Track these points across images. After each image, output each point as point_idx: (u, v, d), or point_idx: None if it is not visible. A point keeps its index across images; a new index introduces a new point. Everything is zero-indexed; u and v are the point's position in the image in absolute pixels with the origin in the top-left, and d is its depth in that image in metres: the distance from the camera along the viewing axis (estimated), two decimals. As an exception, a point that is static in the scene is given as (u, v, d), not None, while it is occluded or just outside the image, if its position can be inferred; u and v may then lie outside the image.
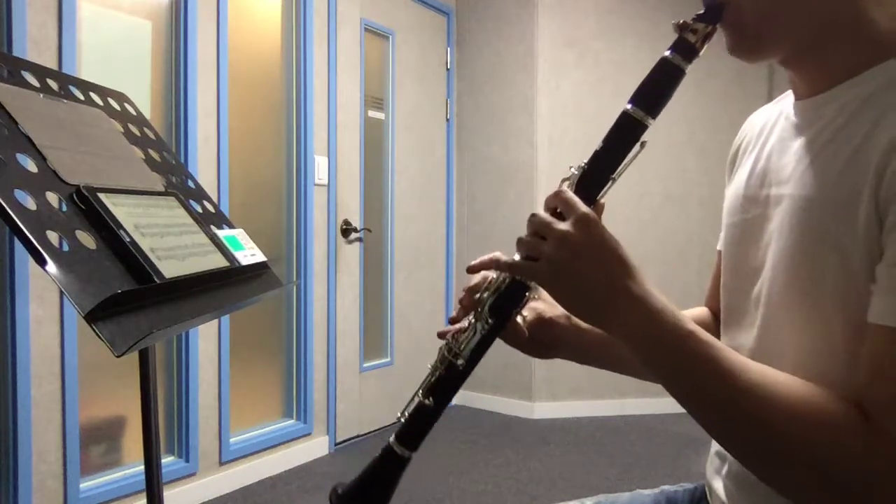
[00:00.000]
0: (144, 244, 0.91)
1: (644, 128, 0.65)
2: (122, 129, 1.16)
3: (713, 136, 3.65)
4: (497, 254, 0.72)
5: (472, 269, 0.76)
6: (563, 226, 0.62)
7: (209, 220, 1.18)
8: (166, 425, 2.44)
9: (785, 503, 0.62)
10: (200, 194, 1.25)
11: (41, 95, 1.00)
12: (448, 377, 0.71)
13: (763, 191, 0.70)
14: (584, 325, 0.82)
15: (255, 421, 2.81)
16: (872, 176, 0.55)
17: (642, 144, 0.66)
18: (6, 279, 1.93)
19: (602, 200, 0.67)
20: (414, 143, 3.62)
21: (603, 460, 2.96)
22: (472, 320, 0.71)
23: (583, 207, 0.62)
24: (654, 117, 0.65)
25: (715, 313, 0.87)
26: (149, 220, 0.98)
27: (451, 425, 3.47)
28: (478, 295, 0.72)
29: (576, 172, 0.68)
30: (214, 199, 2.50)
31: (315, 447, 2.99)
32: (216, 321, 2.54)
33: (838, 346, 0.59)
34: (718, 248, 0.83)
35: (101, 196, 0.91)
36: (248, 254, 1.19)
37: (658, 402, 3.55)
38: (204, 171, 2.47)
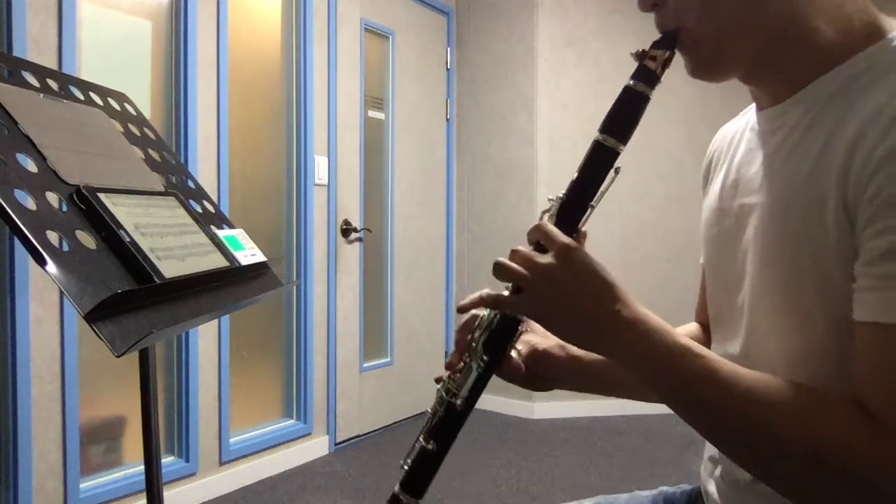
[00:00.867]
0: (144, 244, 0.91)
1: (616, 155, 0.67)
2: (122, 129, 1.16)
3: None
4: (485, 291, 0.71)
5: (463, 309, 0.75)
6: (546, 258, 0.63)
7: (209, 220, 1.18)
8: (166, 425, 2.45)
9: (780, 502, 0.63)
10: (200, 194, 1.25)
11: (41, 95, 1.00)
12: (448, 419, 0.72)
13: (735, 202, 0.72)
14: (577, 351, 0.83)
15: (255, 421, 2.81)
16: (837, 177, 0.57)
17: (616, 171, 0.68)
18: (6, 279, 1.93)
19: (584, 228, 0.69)
20: (414, 143, 3.62)
21: (603, 460, 2.96)
22: (468, 360, 0.72)
23: (563, 238, 0.63)
24: (624, 144, 0.67)
25: (705, 326, 0.89)
26: (149, 220, 0.98)
27: (451, 425, 3.47)
28: (471, 335, 0.73)
29: (555, 203, 0.69)
30: (214, 199, 2.50)
31: (315, 447, 2.99)
32: (216, 321, 2.54)
33: (824, 346, 0.60)
34: (701, 261, 0.84)
35: (101, 196, 0.91)
36: (248, 254, 1.19)
37: (658, 403, 3.55)
38: (204, 171, 2.47)
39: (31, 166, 0.86)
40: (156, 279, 0.88)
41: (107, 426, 2.26)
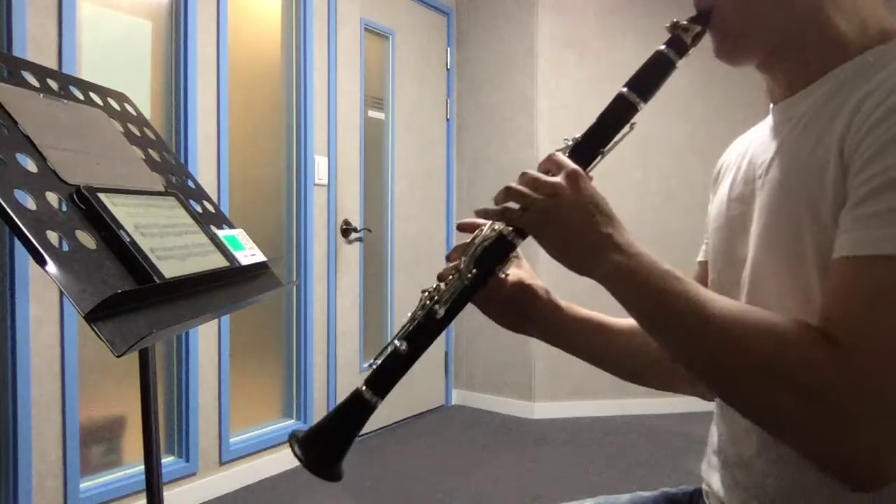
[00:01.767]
0: (144, 244, 0.91)
1: (636, 110, 0.72)
2: (122, 129, 1.16)
3: (714, 135, 3.65)
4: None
5: (464, 227, 0.77)
6: (555, 178, 0.67)
7: (209, 220, 1.18)
8: (166, 425, 2.45)
9: (787, 488, 0.64)
10: (200, 194, 1.25)
11: (41, 95, 1.00)
12: (426, 325, 0.72)
13: (747, 188, 0.75)
14: (560, 302, 0.86)
15: (255, 421, 2.81)
16: (837, 143, 0.61)
17: (632, 126, 0.72)
18: (6, 279, 1.93)
19: (591, 174, 0.71)
20: (414, 143, 3.62)
21: (603, 460, 2.96)
22: (456, 274, 0.73)
23: (573, 165, 0.68)
24: (645, 102, 0.72)
25: None
26: (149, 220, 0.98)
27: (451, 425, 3.47)
28: (464, 250, 0.74)
29: (570, 143, 0.73)
30: (214, 199, 2.50)
31: (315, 447, 2.98)
32: (216, 321, 2.54)
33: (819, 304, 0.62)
34: (699, 259, 0.87)
35: (101, 196, 0.91)
36: (248, 254, 1.19)
37: (658, 403, 3.55)
38: (204, 171, 2.47)
39: (31, 166, 0.86)
40: (156, 279, 0.88)
41: (107, 426, 2.26)
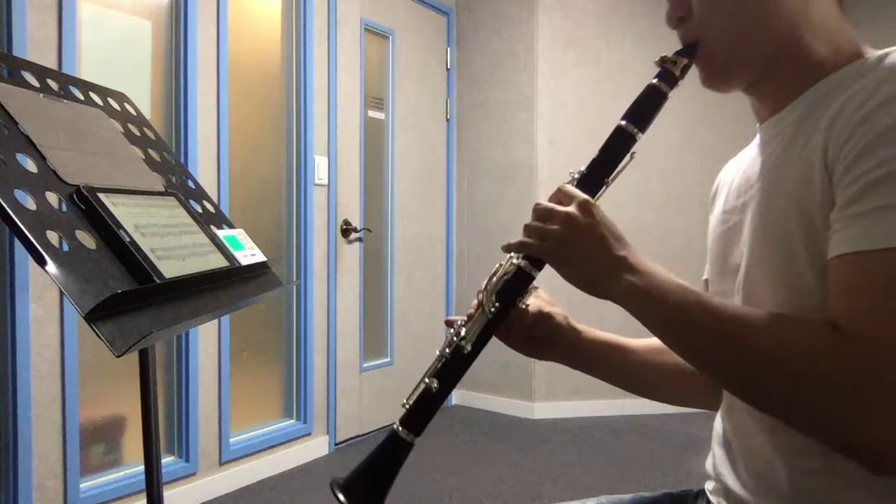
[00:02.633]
0: (144, 244, 0.91)
1: (634, 140, 0.77)
2: (122, 129, 1.16)
3: (713, 135, 3.65)
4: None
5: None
6: (567, 208, 0.72)
7: (209, 220, 1.18)
8: (166, 425, 2.45)
9: (795, 475, 0.66)
10: (200, 194, 1.25)
11: (41, 95, 1.00)
12: (454, 361, 0.76)
13: (738, 201, 0.79)
14: (579, 326, 0.90)
15: (255, 421, 2.81)
16: (822, 146, 0.64)
17: (632, 155, 0.77)
18: (6, 279, 1.93)
19: (597, 202, 0.75)
20: (414, 143, 3.62)
21: (603, 460, 2.96)
22: (479, 308, 0.77)
23: (583, 194, 0.73)
24: (643, 132, 0.77)
25: None
26: (149, 220, 0.98)
27: (451, 425, 3.47)
28: (486, 284, 0.78)
29: (576, 176, 0.77)
30: (214, 199, 2.50)
31: (315, 447, 2.99)
32: (216, 321, 2.54)
33: (815, 305, 0.64)
34: (704, 277, 0.90)
35: (101, 196, 0.91)
36: (248, 254, 1.19)
37: (658, 403, 3.55)
38: (204, 171, 2.47)
39: (31, 166, 0.86)
40: (156, 279, 0.88)
41: (107, 426, 2.26)
